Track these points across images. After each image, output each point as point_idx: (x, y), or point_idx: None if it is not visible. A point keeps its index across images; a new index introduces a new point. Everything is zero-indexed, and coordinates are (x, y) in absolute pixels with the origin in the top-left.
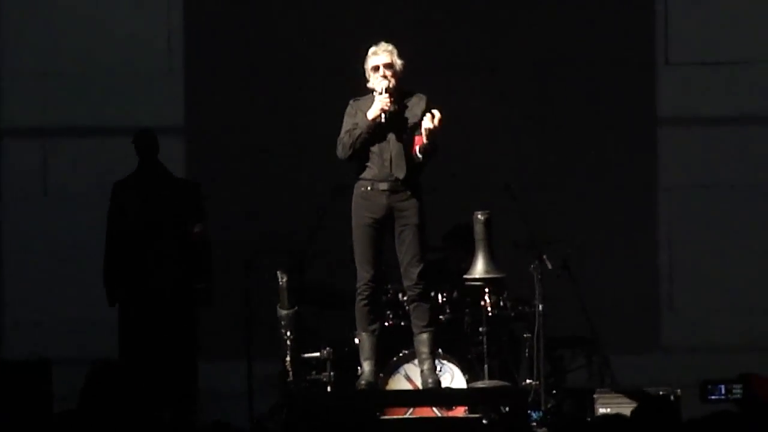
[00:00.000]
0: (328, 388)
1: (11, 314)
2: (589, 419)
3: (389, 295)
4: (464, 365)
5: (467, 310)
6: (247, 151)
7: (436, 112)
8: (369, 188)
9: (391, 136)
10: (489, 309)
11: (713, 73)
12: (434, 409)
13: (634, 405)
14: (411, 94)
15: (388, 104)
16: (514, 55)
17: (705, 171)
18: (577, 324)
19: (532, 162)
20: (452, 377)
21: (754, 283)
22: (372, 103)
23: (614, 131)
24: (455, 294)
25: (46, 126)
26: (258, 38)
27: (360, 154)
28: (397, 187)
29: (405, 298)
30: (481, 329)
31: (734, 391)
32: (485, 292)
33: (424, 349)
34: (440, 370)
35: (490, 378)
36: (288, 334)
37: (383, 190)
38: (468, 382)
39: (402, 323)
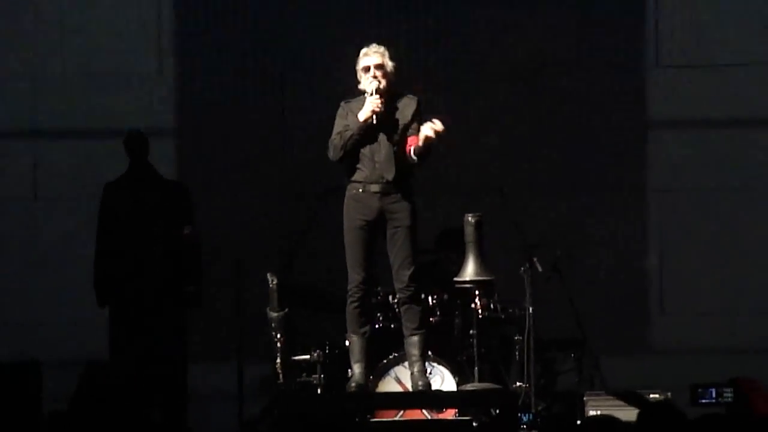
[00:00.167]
0: (319, 391)
1: (1, 315)
2: (579, 422)
3: (379, 298)
4: (454, 368)
5: (457, 313)
6: (238, 153)
7: (438, 123)
8: (360, 190)
9: (382, 138)
10: (479, 311)
11: (703, 75)
12: (424, 411)
13: (624, 408)
14: (402, 96)
15: (379, 105)
16: (504, 58)
17: (695, 173)
18: (567, 326)
19: (522, 164)
20: (442, 380)
21: (744, 286)
22: (363, 104)
23: (604, 134)
24: (445, 296)
25: (36, 128)
26: (248, 40)
27: (351, 156)
28: (388, 189)
29: (395, 301)
30: (471, 332)
31: (725, 394)
32: (476, 295)
33: (414, 352)
34: (430, 373)
35: (481, 380)
36: (278, 336)
37: (375, 192)
38: (458, 384)
39: (392, 326)
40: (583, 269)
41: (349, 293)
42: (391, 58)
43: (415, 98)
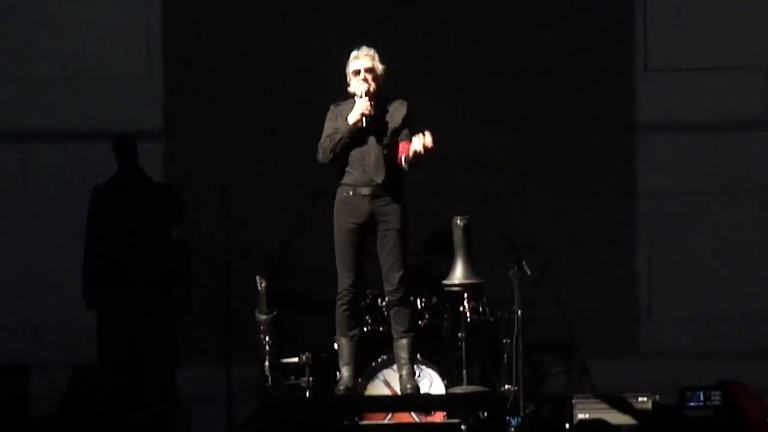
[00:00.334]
0: (307, 394)
1: None
2: (567, 425)
3: (368, 301)
4: (443, 371)
5: (446, 316)
6: (226, 156)
7: (428, 137)
8: (351, 193)
9: (372, 141)
10: (468, 314)
11: (692, 79)
12: (413, 414)
13: (613, 411)
14: (392, 100)
15: (369, 108)
16: (493, 61)
17: (684, 177)
18: (556, 330)
19: (511, 168)
20: (431, 383)
21: (732, 290)
22: (353, 107)
23: (593, 137)
24: (434, 299)
25: (25, 130)
26: (237, 42)
27: (341, 159)
28: (378, 192)
29: (384, 304)
30: (460, 335)
31: (713, 397)
32: (464, 298)
33: (403, 355)
34: (419, 376)
35: (469, 383)
36: (267, 339)
37: (365, 195)
38: (447, 387)
39: (381, 329)
40: (572, 272)
41: (339, 296)
42: (381, 61)
43: (406, 102)
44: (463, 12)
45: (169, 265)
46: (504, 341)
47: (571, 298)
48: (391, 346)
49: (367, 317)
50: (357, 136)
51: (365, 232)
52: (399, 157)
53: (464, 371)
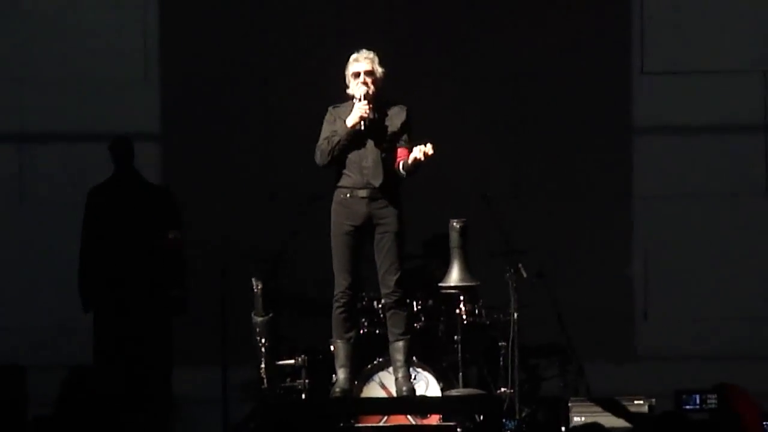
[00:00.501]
0: (303, 396)
1: None
2: (563, 428)
3: (364, 303)
4: (439, 373)
5: (442, 318)
6: (223, 158)
7: (429, 147)
8: (348, 196)
9: (370, 144)
10: (464, 317)
11: (688, 82)
12: (409, 417)
13: (608, 414)
14: (392, 104)
15: (367, 111)
16: (489, 64)
17: (680, 180)
18: (552, 332)
19: (508, 170)
20: (427, 385)
21: (729, 293)
22: (351, 110)
23: (590, 140)
24: (430, 302)
25: (22, 132)
26: (234, 45)
27: (338, 162)
28: (376, 195)
29: (380, 306)
30: (456, 337)
31: (709, 401)
32: (460, 300)
33: (399, 357)
34: (415, 378)
35: (465, 386)
36: (263, 341)
37: (362, 198)
38: (442, 390)
39: (377, 331)
40: (568, 275)
41: (336, 298)
42: (381, 64)
43: (405, 108)
44: (459, 15)
45: (165, 267)
46: (500, 344)
47: (567, 300)
48: (387, 349)
49: (363, 320)
50: (355, 139)
51: (362, 235)
52: (397, 162)
53: (460, 374)
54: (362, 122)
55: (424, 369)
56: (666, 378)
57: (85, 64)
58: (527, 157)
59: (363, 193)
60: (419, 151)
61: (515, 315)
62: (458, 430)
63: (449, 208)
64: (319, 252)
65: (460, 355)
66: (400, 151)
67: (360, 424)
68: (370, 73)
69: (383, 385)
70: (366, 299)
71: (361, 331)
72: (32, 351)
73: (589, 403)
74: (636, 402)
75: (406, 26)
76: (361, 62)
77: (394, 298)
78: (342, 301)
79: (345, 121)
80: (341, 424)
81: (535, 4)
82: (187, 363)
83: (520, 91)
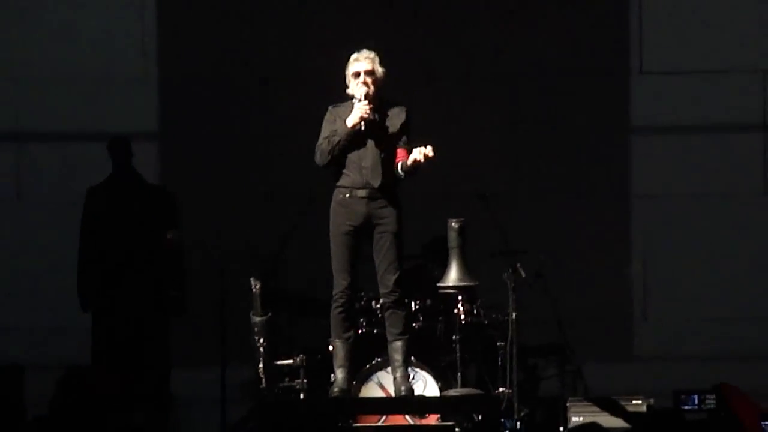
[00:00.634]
0: (301, 396)
1: None
2: (562, 428)
3: (362, 303)
4: (437, 373)
5: (440, 318)
6: (221, 158)
7: (429, 149)
8: (347, 195)
9: (370, 144)
10: (462, 317)
11: (687, 82)
12: (407, 417)
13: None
14: (392, 105)
15: (368, 112)
16: (488, 63)
17: (679, 180)
18: (550, 332)
19: (506, 170)
20: (425, 385)
21: (727, 293)
22: (351, 109)
23: (588, 140)
24: (429, 302)
25: (19, 131)
26: (232, 44)
27: (338, 161)
28: (375, 195)
29: (378, 306)
30: (454, 337)
31: (707, 401)
32: (459, 300)
33: (397, 357)
34: (413, 378)
35: (463, 386)
36: (261, 340)
37: (362, 197)
38: (441, 390)
39: (375, 331)
40: (566, 275)
41: (334, 298)
42: (381, 64)
43: (405, 109)
44: (458, 15)
45: (164, 267)
46: (498, 344)
47: (566, 300)
48: (386, 349)
49: (362, 319)
50: (355, 139)
51: (361, 235)
52: (396, 163)
53: (458, 374)
54: (362, 123)
55: (422, 369)
56: (664, 378)
57: (83, 64)
58: (526, 156)
59: (362, 192)
60: (419, 153)
61: (513, 315)
62: (457, 429)
63: (447, 207)
64: (318, 252)
65: (458, 354)
66: (399, 152)
67: (358, 424)
68: (370, 72)
69: (382, 384)
70: (364, 299)
71: (360, 331)
72: (30, 351)
73: (587, 403)
74: (634, 402)
75: (405, 26)
76: (362, 62)
77: (393, 297)
78: (341, 300)
79: (345, 121)
80: (339, 424)
81: (534, 4)
82: (185, 363)
83: (518, 91)
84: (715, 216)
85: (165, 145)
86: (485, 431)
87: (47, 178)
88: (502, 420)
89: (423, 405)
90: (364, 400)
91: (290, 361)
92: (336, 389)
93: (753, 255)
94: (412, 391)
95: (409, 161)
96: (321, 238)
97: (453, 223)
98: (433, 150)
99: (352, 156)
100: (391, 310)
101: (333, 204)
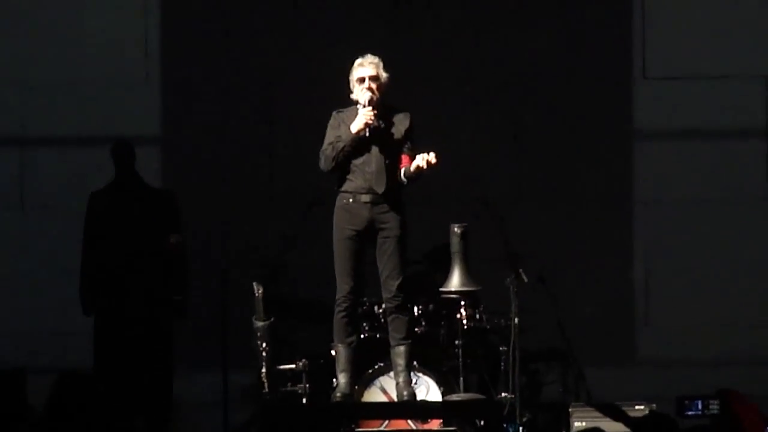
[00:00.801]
0: (304, 400)
1: None
2: None
3: (365, 308)
4: (440, 378)
5: (443, 323)
6: (224, 162)
7: (432, 156)
8: (351, 200)
9: (374, 150)
10: (465, 322)
11: (689, 87)
12: (409, 421)
13: (609, 419)
14: (397, 110)
15: (372, 117)
16: (491, 68)
17: (681, 185)
18: (552, 338)
19: (508, 175)
20: (427, 390)
21: (730, 298)
22: (355, 115)
23: (591, 145)
24: (431, 306)
25: (23, 135)
26: (235, 48)
27: (342, 167)
28: (378, 200)
29: (381, 311)
30: (456, 342)
31: (711, 406)
32: (461, 305)
33: (400, 362)
34: (415, 383)
35: (466, 391)
36: (263, 345)
37: (365, 202)
38: (443, 394)
39: (378, 335)
40: (569, 280)
41: (337, 303)
42: (385, 69)
43: (409, 115)
44: (460, 19)
45: (166, 271)
46: (501, 349)
47: (568, 305)
48: (388, 353)
49: (364, 324)
50: (359, 144)
51: (364, 239)
52: (399, 169)
53: (461, 379)
54: (367, 128)
55: (424, 374)
56: (667, 383)
57: (86, 67)
58: (528, 162)
59: (366, 197)
60: (422, 160)
61: (516, 320)
62: None
63: (450, 212)
64: (321, 256)
65: (460, 359)
66: (403, 158)
67: (360, 429)
68: (374, 78)
69: (384, 389)
70: (367, 304)
71: (362, 336)
72: (33, 354)
73: (589, 409)
74: (637, 407)
75: (407, 31)
76: (366, 67)
77: (396, 302)
78: (344, 305)
79: (350, 127)
80: (342, 429)
81: (536, 9)
82: (187, 367)
83: (521, 96)
84: (717, 221)
85: (168, 149)
86: None
87: (50, 182)
88: (505, 425)
89: (425, 410)
90: (366, 404)
91: (293, 366)
92: (338, 394)
93: (755, 260)
94: (415, 396)
95: (412, 167)
96: (324, 243)
97: (455, 228)
98: (437, 156)
99: (357, 162)
100: (394, 315)
101: (336, 209)
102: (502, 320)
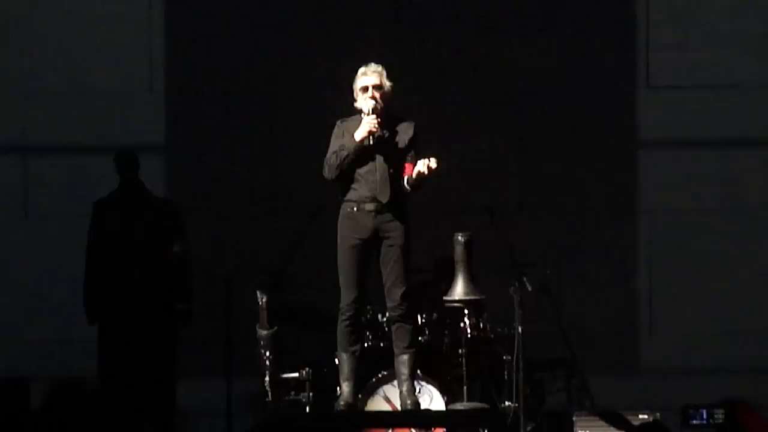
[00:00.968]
0: (307, 409)
1: None
2: None
3: (369, 316)
4: (443, 387)
5: (447, 332)
6: (228, 171)
7: (433, 161)
8: (355, 209)
9: (378, 159)
10: (468, 331)
11: (694, 96)
12: (413, 430)
13: (613, 429)
14: (401, 119)
15: (376, 126)
16: (495, 78)
17: (685, 194)
18: (556, 346)
19: (513, 184)
20: (431, 399)
21: (734, 307)
22: (359, 124)
23: (595, 154)
24: (435, 315)
25: (26, 144)
26: (239, 57)
27: (346, 175)
28: (382, 209)
29: (384, 320)
30: (460, 351)
31: (716, 415)
32: (465, 314)
33: (404, 370)
34: (419, 392)
35: (470, 400)
36: (267, 354)
37: (369, 211)
38: (447, 403)
39: (381, 344)
40: (573, 289)
41: (341, 311)
42: (389, 78)
43: (413, 124)
44: (465, 29)
45: (170, 280)
46: (504, 358)
47: (572, 314)
48: (392, 362)
49: (368, 333)
50: (363, 153)
51: (369, 248)
52: (403, 177)
53: (465, 387)
54: (370, 137)
55: (428, 382)
56: (671, 392)
57: (90, 77)
58: (532, 171)
59: (370, 206)
60: (423, 165)
61: (520, 329)
62: None
63: (454, 221)
64: (325, 265)
65: (464, 368)
66: (407, 167)
67: None
68: (378, 87)
69: (388, 398)
70: (371, 312)
71: (366, 344)
72: (36, 363)
73: (593, 417)
74: (641, 416)
75: (410, 40)
76: (369, 76)
77: (400, 311)
78: (348, 314)
79: (353, 136)
80: None
81: (541, 18)
82: (191, 376)
83: (525, 105)
84: (721, 230)
85: (171, 158)
86: None
87: (54, 191)
88: None
89: (429, 418)
90: (370, 413)
91: (296, 375)
92: (342, 402)
93: (760, 269)
94: (418, 404)
95: (414, 174)
96: (327, 252)
97: (459, 237)
98: (438, 162)
99: (361, 170)
100: (398, 324)
101: (340, 218)
102: (506, 329)
